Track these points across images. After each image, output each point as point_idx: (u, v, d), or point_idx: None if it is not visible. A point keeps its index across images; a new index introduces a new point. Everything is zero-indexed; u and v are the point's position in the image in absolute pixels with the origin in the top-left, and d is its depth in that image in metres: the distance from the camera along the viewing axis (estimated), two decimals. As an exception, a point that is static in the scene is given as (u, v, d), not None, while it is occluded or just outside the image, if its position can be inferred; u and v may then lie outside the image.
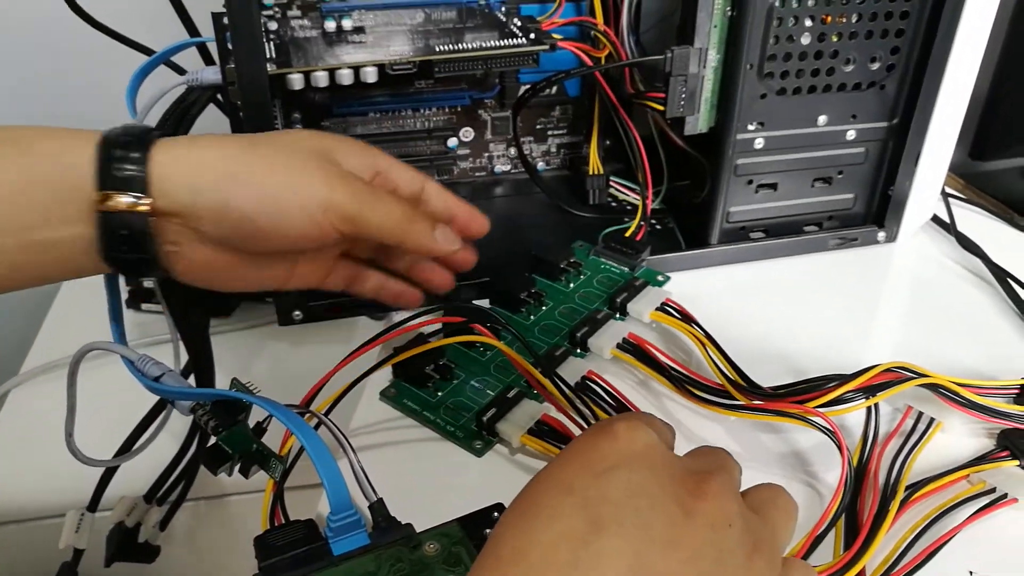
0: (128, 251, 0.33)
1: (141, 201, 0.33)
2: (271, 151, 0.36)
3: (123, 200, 0.32)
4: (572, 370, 0.44)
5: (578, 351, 0.46)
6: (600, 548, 0.24)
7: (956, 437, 0.42)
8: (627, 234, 0.54)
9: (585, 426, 0.39)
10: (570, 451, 0.28)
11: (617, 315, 0.48)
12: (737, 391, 0.41)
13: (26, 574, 0.64)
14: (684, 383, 0.43)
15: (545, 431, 0.40)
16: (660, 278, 0.52)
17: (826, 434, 0.38)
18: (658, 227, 0.58)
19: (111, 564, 0.54)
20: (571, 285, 0.51)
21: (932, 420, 0.42)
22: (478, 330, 0.43)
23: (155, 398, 0.51)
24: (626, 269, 0.52)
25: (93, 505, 0.53)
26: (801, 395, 0.40)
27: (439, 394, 0.43)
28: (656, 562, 0.24)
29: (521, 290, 0.49)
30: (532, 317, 0.48)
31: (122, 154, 0.33)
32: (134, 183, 0.33)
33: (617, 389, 0.41)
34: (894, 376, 0.40)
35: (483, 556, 0.25)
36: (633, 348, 0.45)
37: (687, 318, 0.47)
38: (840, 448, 0.36)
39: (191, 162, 0.34)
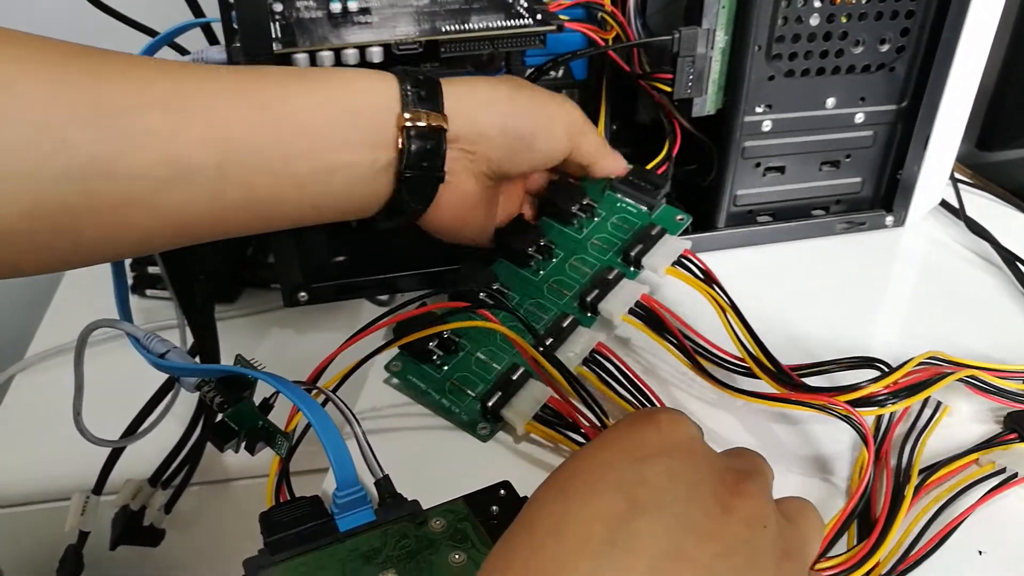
0: (423, 168, 0.38)
1: (440, 116, 0.38)
2: (531, 90, 0.44)
3: (425, 119, 0.38)
4: (580, 343, 0.42)
5: (588, 315, 0.44)
6: (637, 529, 0.24)
7: (962, 420, 0.42)
8: (648, 167, 0.52)
9: (591, 414, 0.39)
10: (611, 435, 0.27)
11: (632, 269, 0.46)
12: (762, 371, 0.40)
13: (32, 557, 0.64)
14: (700, 355, 0.41)
15: (551, 416, 0.39)
16: (680, 218, 0.48)
17: (857, 432, 0.36)
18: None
19: (116, 547, 0.54)
20: (584, 231, 0.48)
21: (939, 403, 0.42)
22: (484, 315, 0.42)
23: (160, 381, 0.52)
24: (644, 208, 0.48)
25: (99, 488, 0.53)
26: (844, 392, 0.38)
27: (444, 368, 0.42)
28: (691, 550, 0.24)
29: (528, 244, 0.46)
30: (541, 272, 0.46)
31: (416, 90, 0.38)
32: (433, 106, 0.38)
33: (628, 365, 0.41)
34: (931, 370, 0.39)
35: (515, 529, 0.25)
36: (646, 313, 0.43)
37: (709, 278, 0.43)
38: (867, 445, 0.36)
39: (473, 95, 0.41)
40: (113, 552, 0.54)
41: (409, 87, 0.38)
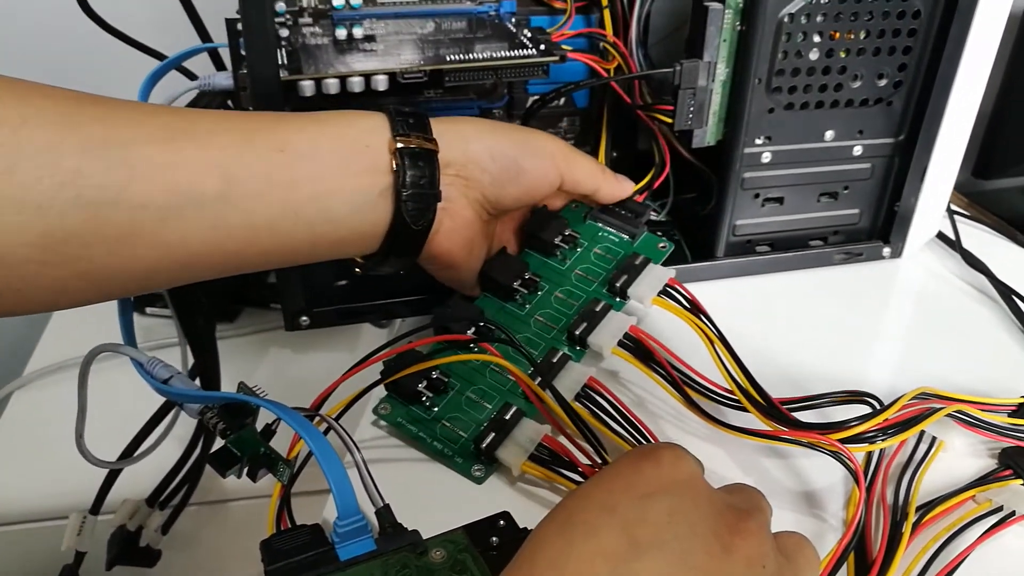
0: (420, 187, 0.39)
1: (429, 140, 0.40)
2: (510, 124, 0.47)
3: (415, 139, 0.39)
4: (572, 377, 0.42)
5: (577, 348, 0.44)
6: (637, 569, 0.24)
7: (957, 455, 0.42)
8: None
9: (590, 449, 0.39)
10: (612, 471, 0.28)
11: (617, 299, 0.46)
12: (752, 405, 0.40)
13: (26, 576, 0.64)
14: (689, 388, 0.41)
15: (546, 455, 0.39)
16: (662, 246, 0.48)
17: (847, 469, 0.37)
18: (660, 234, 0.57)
19: (112, 567, 0.54)
20: (567, 262, 0.48)
21: (934, 439, 0.42)
22: (486, 348, 0.42)
23: (159, 401, 0.52)
24: (626, 237, 0.48)
25: (96, 508, 0.53)
26: (834, 429, 0.38)
27: (435, 409, 0.41)
28: None
29: (514, 278, 0.46)
30: (527, 306, 0.46)
31: (404, 119, 0.40)
32: (423, 131, 0.40)
33: (621, 401, 0.41)
34: (921, 404, 0.39)
35: (516, 564, 0.25)
36: (634, 344, 0.43)
37: (695, 308, 0.43)
38: (858, 483, 0.36)
39: (458, 125, 0.43)
40: (109, 572, 0.54)
41: (398, 117, 0.40)
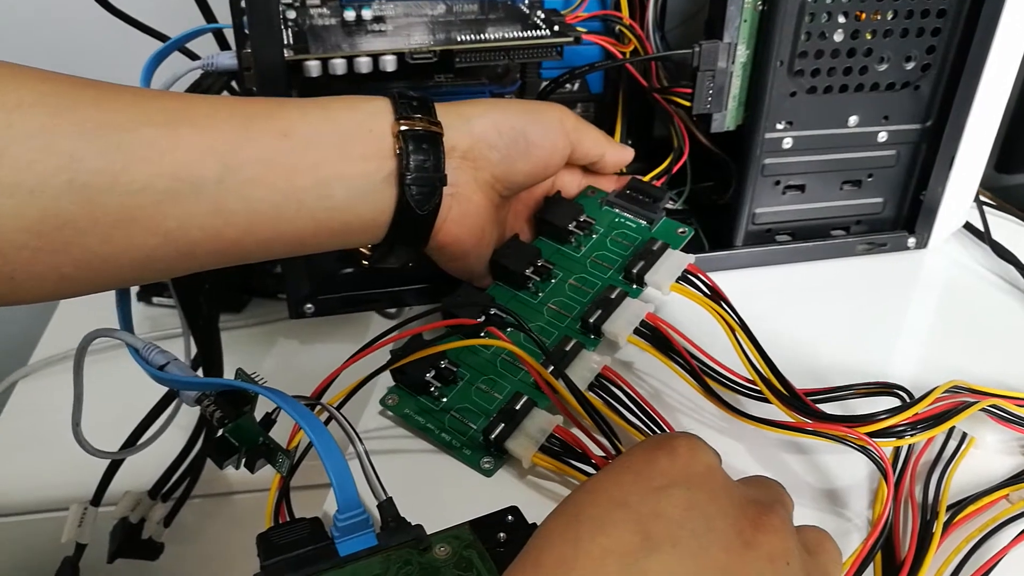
0: (425, 170, 0.38)
1: (434, 123, 0.39)
2: (514, 99, 0.46)
3: (420, 122, 0.38)
4: (586, 366, 0.40)
5: (592, 337, 0.42)
6: (651, 566, 0.22)
7: (988, 452, 0.40)
8: (645, 179, 0.50)
9: (604, 441, 0.37)
10: (624, 463, 0.26)
11: (634, 287, 0.44)
12: (774, 396, 0.38)
13: (27, 568, 0.63)
14: (709, 377, 0.40)
15: (558, 447, 0.38)
16: (681, 231, 0.46)
17: (876, 464, 0.35)
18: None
19: (114, 560, 0.53)
20: (582, 249, 0.46)
21: (964, 435, 0.40)
22: (494, 333, 0.40)
23: (162, 391, 0.51)
24: (643, 223, 0.47)
25: (97, 499, 0.52)
26: (863, 423, 0.36)
27: (443, 400, 0.40)
28: None
29: (526, 265, 0.44)
30: (540, 294, 0.44)
31: (408, 101, 0.39)
32: (427, 113, 0.39)
33: (636, 390, 0.39)
34: (954, 398, 0.38)
35: (521, 562, 0.24)
36: (651, 332, 0.41)
37: (715, 294, 0.42)
38: (887, 479, 0.34)
39: (462, 107, 0.42)
40: (111, 565, 0.53)
41: (402, 100, 0.39)
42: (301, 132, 0.36)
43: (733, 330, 0.40)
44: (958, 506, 0.36)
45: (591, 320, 0.42)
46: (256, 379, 0.32)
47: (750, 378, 0.39)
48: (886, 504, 0.33)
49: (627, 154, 0.49)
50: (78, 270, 0.32)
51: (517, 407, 0.38)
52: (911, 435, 0.36)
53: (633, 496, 0.24)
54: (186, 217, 0.33)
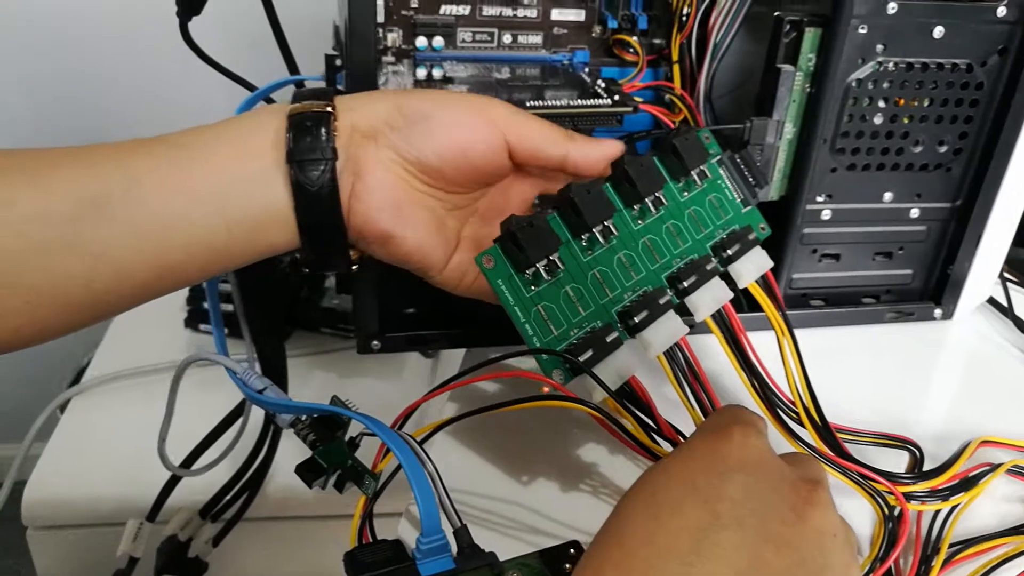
0: (311, 148, 0.37)
1: (324, 105, 0.38)
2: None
3: (309, 108, 0.38)
4: (670, 327, 0.39)
5: (674, 298, 0.41)
6: (720, 540, 0.27)
7: (997, 501, 0.42)
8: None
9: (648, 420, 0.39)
10: (689, 450, 0.31)
11: (720, 266, 0.43)
12: (809, 422, 0.40)
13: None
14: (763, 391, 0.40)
15: (627, 393, 0.38)
16: (763, 227, 0.45)
17: (892, 521, 0.37)
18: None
19: (160, 576, 0.55)
20: (686, 194, 0.43)
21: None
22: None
23: (220, 413, 0.53)
24: (739, 199, 0.45)
25: (152, 515, 0.55)
26: (897, 481, 0.38)
27: (534, 288, 0.39)
28: (771, 560, 0.26)
29: (598, 219, 0.40)
30: (641, 222, 0.42)
31: (308, 93, 0.40)
32: (321, 98, 0.39)
33: (701, 367, 0.39)
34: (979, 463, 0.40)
35: (604, 539, 0.28)
36: (725, 325, 0.41)
37: (775, 298, 0.42)
38: (900, 538, 0.36)
39: (368, 94, 0.41)
40: (157, 580, 0.55)
41: (301, 93, 0.40)
42: (200, 139, 0.38)
43: (786, 343, 0.41)
44: (961, 545, 0.38)
45: (684, 284, 0.41)
46: (349, 405, 0.35)
47: (791, 398, 0.41)
48: (893, 555, 0.36)
49: (606, 149, 0.43)
50: (27, 305, 0.34)
51: (608, 339, 0.38)
52: (942, 500, 0.38)
53: (701, 480, 0.29)
54: (105, 236, 0.35)
